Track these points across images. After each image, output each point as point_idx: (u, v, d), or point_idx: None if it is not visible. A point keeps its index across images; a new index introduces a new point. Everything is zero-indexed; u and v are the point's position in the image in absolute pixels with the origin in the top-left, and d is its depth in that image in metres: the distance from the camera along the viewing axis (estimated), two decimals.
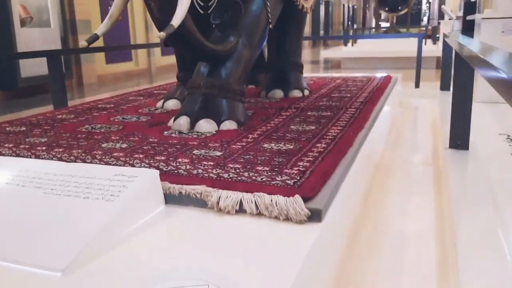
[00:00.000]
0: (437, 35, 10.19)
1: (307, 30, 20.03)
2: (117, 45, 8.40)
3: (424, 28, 15.16)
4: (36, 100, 6.47)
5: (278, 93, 2.80)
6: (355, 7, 31.58)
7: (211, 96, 1.97)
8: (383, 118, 2.55)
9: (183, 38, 1.77)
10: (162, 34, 1.65)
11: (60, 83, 2.80)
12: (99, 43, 8.28)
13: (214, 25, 2.11)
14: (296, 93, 2.81)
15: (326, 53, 9.89)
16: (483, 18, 3.42)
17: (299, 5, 2.56)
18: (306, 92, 2.86)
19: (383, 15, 11.18)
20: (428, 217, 1.68)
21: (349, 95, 2.78)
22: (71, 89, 7.43)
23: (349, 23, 29.62)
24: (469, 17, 3.81)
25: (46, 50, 2.82)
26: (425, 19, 37.59)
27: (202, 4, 2.13)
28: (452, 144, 2.26)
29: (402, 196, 1.92)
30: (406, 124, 3.28)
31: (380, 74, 3.82)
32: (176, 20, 1.65)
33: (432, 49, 9.21)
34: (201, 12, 2.14)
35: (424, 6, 39.83)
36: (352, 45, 9.97)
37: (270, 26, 2.26)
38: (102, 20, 8.36)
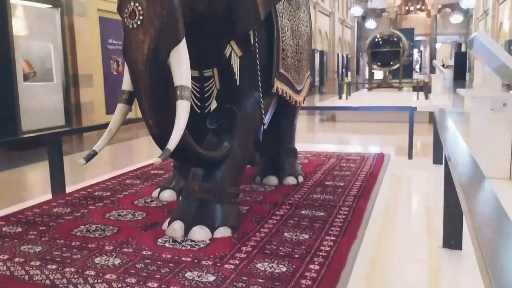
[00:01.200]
0: (429, 91, 10.35)
1: None
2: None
3: (415, 81, 15.43)
4: (36, 152, 6.46)
5: (273, 180, 2.79)
6: (349, 56, 32.25)
7: (205, 201, 1.96)
8: (376, 210, 2.53)
9: (179, 152, 1.78)
10: (158, 160, 1.65)
11: (59, 168, 2.78)
12: (100, 96, 8.37)
13: (210, 129, 2.12)
14: (291, 181, 2.80)
15: (321, 105, 10.00)
16: (473, 97, 3.47)
17: (292, 102, 2.60)
18: (301, 179, 2.86)
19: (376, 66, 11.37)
20: None
21: (342, 184, 2.77)
22: (70, 141, 7.43)
23: (343, 70, 30.16)
24: (460, 92, 3.85)
25: (47, 133, 2.80)
26: (417, 67, 38.40)
27: (199, 104, 2.16)
28: (446, 244, 2.24)
29: None
30: (399, 214, 3.23)
31: (373, 151, 3.83)
32: (172, 144, 1.67)
33: (424, 104, 9.33)
34: (198, 111, 2.17)
35: (416, 55, 40.67)
36: (347, 98, 10.09)
37: (264, 126, 2.28)
38: (104, 74, 8.46)
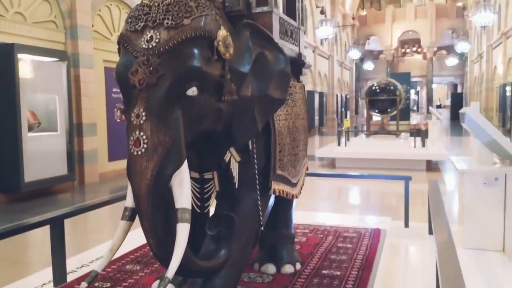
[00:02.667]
0: (426, 138, 10.35)
1: None
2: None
3: (413, 125, 15.49)
4: (38, 203, 6.42)
5: (271, 268, 2.77)
6: (348, 96, 32.56)
7: None
8: None
9: (179, 268, 1.77)
10: None
11: (61, 255, 2.72)
12: (103, 144, 8.37)
13: (208, 235, 2.14)
14: (288, 269, 2.78)
15: (321, 152, 10.00)
16: (465, 171, 3.45)
17: (289, 197, 2.57)
18: (298, 266, 2.84)
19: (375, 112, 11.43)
20: None
21: (338, 273, 2.76)
22: (72, 190, 7.40)
23: (342, 109, 30.41)
24: (453, 162, 3.82)
25: (49, 218, 2.75)
26: (415, 107, 38.69)
27: (199, 204, 2.16)
28: None
29: None
30: None
31: (370, 221, 3.79)
32: (171, 272, 1.66)
33: (421, 152, 9.33)
34: (198, 210, 2.17)
35: (413, 95, 41.03)
36: (346, 145, 10.10)
37: (262, 228, 2.28)
38: (108, 122, 8.48)
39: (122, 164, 8.98)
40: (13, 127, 6.36)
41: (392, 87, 10.77)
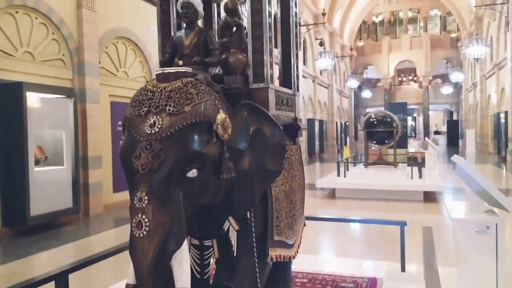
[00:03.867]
0: (423, 166, 10.28)
1: (302, 148, 20.48)
2: None
3: (411, 153, 15.46)
4: (44, 236, 6.36)
5: None
6: (347, 123, 32.64)
7: None
8: None
9: None
10: None
11: None
12: (108, 176, 8.34)
13: None
14: None
15: (321, 183, 9.95)
16: (457, 219, 3.41)
17: (286, 260, 2.51)
18: None
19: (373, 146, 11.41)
20: None
21: None
22: (77, 222, 7.34)
23: (342, 135, 30.46)
24: (448, 209, 3.76)
25: (53, 274, 2.70)
26: (413, 132, 38.71)
27: (199, 270, 2.17)
28: None
29: None
30: None
31: (367, 275, 3.71)
32: None
33: (419, 184, 9.26)
34: (198, 276, 2.19)
35: (411, 121, 41.11)
36: (345, 176, 10.06)
37: None
38: (113, 154, 8.45)
39: (126, 195, 8.92)
40: (20, 162, 6.35)
41: (389, 119, 10.78)
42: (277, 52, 2.60)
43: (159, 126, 1.74)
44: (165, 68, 1.89)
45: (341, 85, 31.22)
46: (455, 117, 37.93)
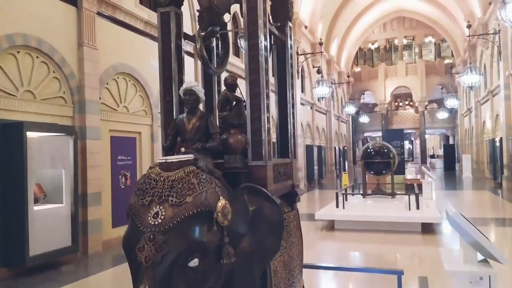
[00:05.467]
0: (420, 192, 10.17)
1: (302, 174, 20.36)
2: None
3: (409, 180, 15.37)
4: (42, 277, 6.20)
5: None
6: (346, 148, 32.61)
7: None
8: None
9: None
10: None
11: None
12: (108, 211, 8.22)
13: None
14: None
15: (320, 215, 9.82)
16: (452, 271, 3.32)
17: None
18: None
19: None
20: None
21: None
22: (75, 261, 7.17)
23: (341, 159, 30.38)
24: (443, 263, 3.65)
25: None
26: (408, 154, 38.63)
27: None
28: None
29: None
30: None
31: None
32: None
33: (416, 215, 9.15)
34: None
35: (408, 145, 41.13)
36: (344, 207, 9.95)
37: None
38: (113, 189, 8.36)
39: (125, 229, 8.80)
40: (20, 202, 6.25)
41: (385, 150, 10.73)
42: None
43: (162, 217, 1.79)
44: (168, 157, 1.94)
45: (339, 111, 31.31)
46: (451, 141, 37.93)
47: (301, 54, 20.42)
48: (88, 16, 7.97)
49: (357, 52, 36.02)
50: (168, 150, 2.24)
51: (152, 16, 9.58)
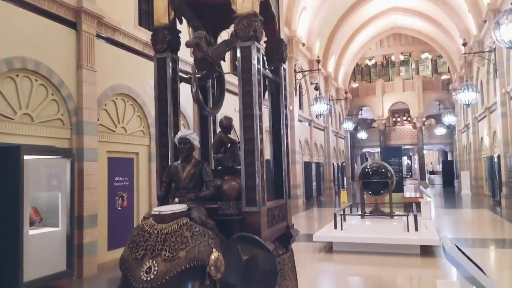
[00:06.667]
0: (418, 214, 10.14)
1: (300, 192, 20.33)
2: None
3: (407, 198, 15.38)
4: None
5: None
6: (344, 164, 32.61)
7: None
8: None
9: None
10: None
11: None
12: (103, 234, 8.19)
13: None
14: None
15: (318, 237, 9.78)
16: None
17: None
18: None
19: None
20: None
21: None
22: (70, 285, 7.11)
23: (339, 175, 30.37)
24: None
25: None
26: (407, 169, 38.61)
27: None
28: None
29: None
30: None
31: None
32: None
33: (414, 238, 9.10)
34: None
35: (407, 161, 41.14)
36: (342, 228, 9.92)
37: None
38: (109, 211, 8.34)
39: (121, 252, 8.74)
40: (14, 226, 6.20)
41: (383, 170, 10.72)
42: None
43: (155, 272, 1.80)
44: (161, 209, 1.94)
45: (337, 127, 31.41)
46: (449, 157, 38.00)
47: (299, 72, 20.59)
48: (87, 39, 8.04)
49: (354, 68, 36.30)
50: (162, 199, 2.25)
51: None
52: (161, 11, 2.15)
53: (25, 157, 6.38)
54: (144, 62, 9.69)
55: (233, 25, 2.31)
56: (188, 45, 2.20)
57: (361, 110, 38.26)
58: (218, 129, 2.73)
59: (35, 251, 6.41)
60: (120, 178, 8.98)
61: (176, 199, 2.18)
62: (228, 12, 2.24)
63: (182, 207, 1.96)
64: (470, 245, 10.11)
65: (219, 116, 2.79)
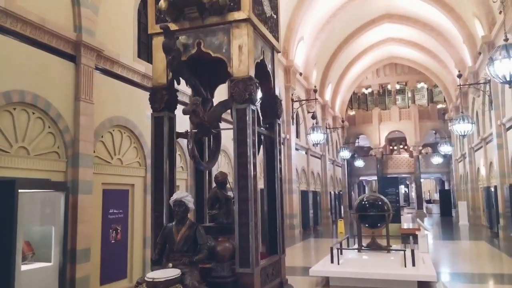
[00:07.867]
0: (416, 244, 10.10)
1: (297, 221, 20.21)
2: None
3: (404, 229, 15.31)
4: None
5: None
6: (341, 192, 32.55)
7: None
8: None
9: None
10: None
11: None
12: (96, 267, 8.08)
13: None
14: None
15: (314, 271, 9.67)
16: None
17: None
18: None
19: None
20: None
21: None
22: None
23: (337, 203, 30.23)
24: None
25: None
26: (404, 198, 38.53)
27: None
28: None
29: None
30: None
31: None
32: None
33: (412, 273, 9.02)
34: None
35: (404, 189, 41.09)
36: (338, 262, 9.82)
37: None
38: (102, 244, 8.25)
39: (113, 286, 8.61)
40: (6, 263, 6.12)
41: (380, 202, 10.72)
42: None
43: None
44: (154, 275, 1.94)
45: (334, 155, 31.48)
46: (446, 186, 38.01)
47: (296, 101, 20.79)
48: (86, 71, 8.12)
49: (351, 96, 36.68)
50: (156, 263, 2.26)
51: (149, 69, 9.77)
52: (160, 72, 2.20)
53: (20, 190, 6.36)
54: (142, 94, 9.75)
55: (228, 82, 2.37)
56: (185, 112, 2.25)
57: (358, 138, 38.47)
58: (213, 187, 2.75)
59: (26, 287, 6.30)
60: (115, 211, 8.93)
61: (170, 264, 2.18)
62: (224, 68, 2.30)
63: (175, 272, 1.96)
64: (469, 280, 10.03)
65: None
